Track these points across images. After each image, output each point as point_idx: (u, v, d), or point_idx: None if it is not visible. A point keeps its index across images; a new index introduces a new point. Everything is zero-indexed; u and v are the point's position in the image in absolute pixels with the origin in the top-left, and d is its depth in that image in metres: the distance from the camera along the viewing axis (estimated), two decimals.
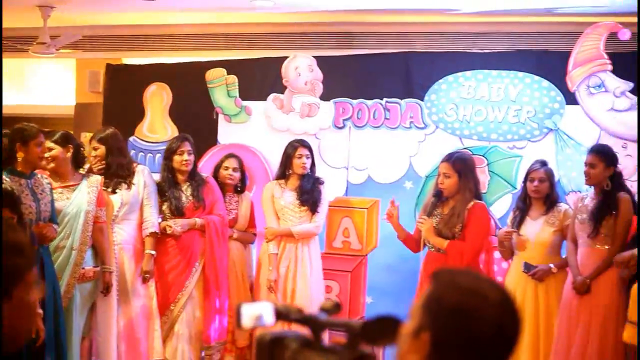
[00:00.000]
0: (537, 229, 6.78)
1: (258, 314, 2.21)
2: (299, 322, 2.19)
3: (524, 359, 6.62)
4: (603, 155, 6.53)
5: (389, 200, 6.73)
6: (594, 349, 6.27)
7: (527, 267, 6.69)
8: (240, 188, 7.53)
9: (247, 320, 2.21)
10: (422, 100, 7.92)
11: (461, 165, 6.36)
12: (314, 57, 8.17)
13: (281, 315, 2.20)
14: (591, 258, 6.46)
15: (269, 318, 2.19)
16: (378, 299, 7.80)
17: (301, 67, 8.14)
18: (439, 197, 6.40)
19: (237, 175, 7.46)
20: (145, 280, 6.92)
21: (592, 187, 6.61)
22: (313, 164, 7.34)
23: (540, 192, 6.78)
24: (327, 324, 2.17)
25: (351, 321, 2.14)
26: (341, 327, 2.14)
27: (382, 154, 7.98)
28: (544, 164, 6.90)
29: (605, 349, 6.23)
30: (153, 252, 6.93)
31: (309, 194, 7.23)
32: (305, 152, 7.28)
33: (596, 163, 6.47)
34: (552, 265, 6.68)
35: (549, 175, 6.83)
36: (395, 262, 7.60)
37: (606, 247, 6.45)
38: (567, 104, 7.64)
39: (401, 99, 7.98)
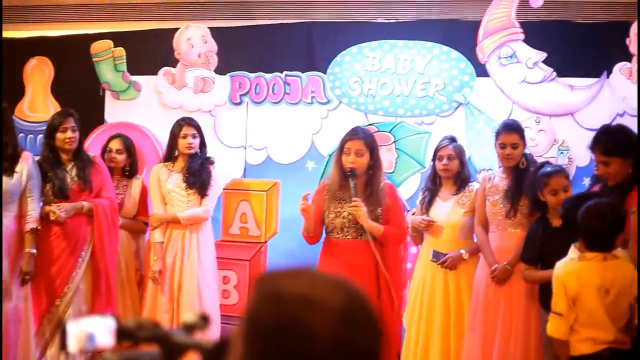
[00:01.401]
0: (447, 210, 6.39)
1: (88, 333, 1.83)
2: (148, 342, 1.90)
3: (435, 353, 6.26)
4: (522, 132, 6.20)
5: (302, 195, 6.13)
6: (518, 341, 5.90)
7: (436, 256, 6.28)
8: (128, 172, 6.95)
9: (74, 343, 1.83)
10: (325, 73, 7.53)
11: (372, 142, 5.91)
12: (208, 28, 7.69)
13: (125, 333, 1.89)
14: (507, 242, 6.05)
15: (104, 338, 1.86)
16: None
17: (194, 39, 7.67)
18: (355, 176, 5.88)
19: (122, 157, 6.92)
20: (23, 283, 6.30)
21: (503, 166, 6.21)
22: (203, 144, 6.88)
23: (450, 171, 6.39)
24: (178, 344, 1.89)
25: (202, 342, 1.88)
26: (194, 348, 1.89)
27: (282, 132, 7.60)
28: (452, 140, 6.51)
29: (529, 339, 5.86)
30: (34, 251, 6.29)
31: (196, 175, 6.76)
32: (191, 130, 6.81)
33: (518, 142, 6.11)
34: (463, 252, 6.28)
35: (459, 152, 6.43)
36: (297, 249, 7.08)
37: (519, 230, 6.06)
38: (478, 76, 7.33)
39: (302, 72, 7.56)
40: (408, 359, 6.23)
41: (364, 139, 5.88)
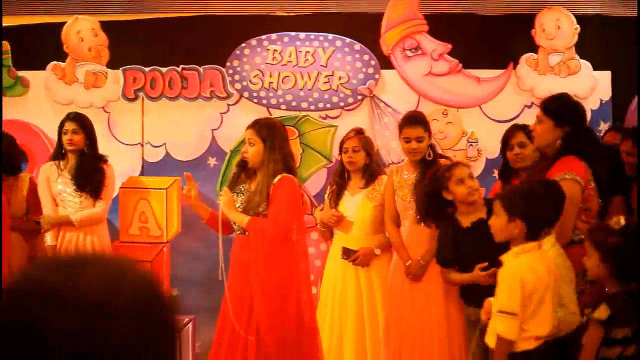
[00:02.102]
0: (356, 204, 6.17)
1: None
2: None
3: (350, 353, 6.04)
4: (427, 125, 5.93)
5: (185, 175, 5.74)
6: (441, 337, 5.68)
7: (347, 253, 6.05)
8: (9, 169, 6.48)
9: None
10: (224, 67, 7.28)
11: (267, 132, 5.46)
12: (98, 21, 7.37)
13: None
14: (419, 236, 5.83)
15: None
16: (184, 291, 7.12)
17: (84, 32, 7.33)
18: (243, 167, 5.51)
19: None
20: None
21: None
22: (92, 141, 6.45)
23: (356, 164, 6.16)
24: None
25: None
26: None
27: (181, 128, 7.34)
28: (359, 132, 6.29)
29: (452, 336, 5.66)
30: None
31: (86, 177, 6.37)
32: (72, 126, 6.39)
33: (423, 135, 5.84)
34: (375, 249, 6.07)
35: (364, 143, 6.20)
36: (201, 249, 6.95)
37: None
38: (382, 68, 7.21)
39: (200, 65, 7.29)
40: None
41: (257, 128, 5.49)
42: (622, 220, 4.09)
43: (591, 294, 4.42)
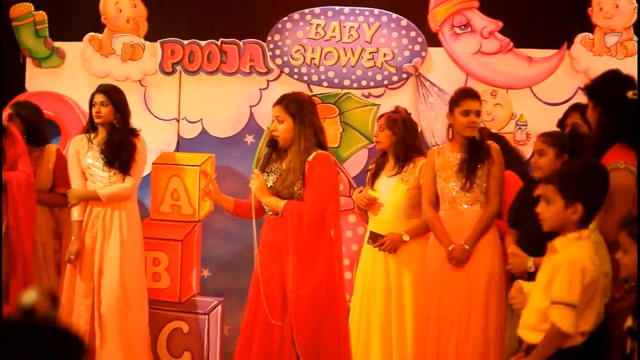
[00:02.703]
0: (390, 187, 5.97)
1: None
2: None
3: (376, 343, 5.84)
4: (481, 101, 5.76)
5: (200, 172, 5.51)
6: (478, 327, 5.46)
7: (373, 238, 5.86)
8: (35, 140, 6.35)
9: None
10: (264, 41, 7.09)
11: (296, 107, 5.21)
12: None
13: None
14: (462, 221, 5.60)
15: None
16: (216, 272, 6.99)
17: (122, 3, 7.20)
18: (274, 146, 5.26)
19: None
20: None
21: (454, 138, 5.72)
22: (123, 113, 6.30)
23: (380, 143, 6.04)
24: None
25: None
26: None
27: (218, 104, 7.15)
28: (393, 111, 6.15)
29: (489, 323, 5.45)
30: None
31: (115, 153, 6.22)
32: (100, 98, 6.26)
33: (480, 109, 5.71)
34: (404, 235, 5.84)
35: (390, 123, 5.99)
36: (234, 229, 6.71)
37: (475, 206, 5.62)
38: (429, 46, 6.99)
39: (239, 39, 7.10)
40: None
41: (285, 104, 5.25)
42: None
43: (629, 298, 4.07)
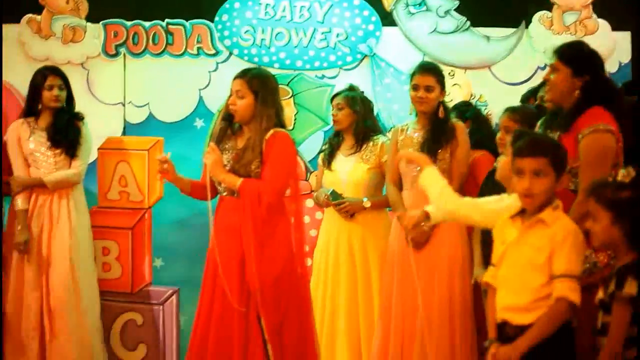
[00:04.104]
0: (349, 166, 5.85)
1: None
2: None
3: (342, 324, 5.73)
4: (440, 76, 5.54)
5: (159, 156, 5.17)
6: (442, 308, 5.32)
7: (335, 196, 5.76)
8: None
9: None
10: (212, 22, 6.91)
11: (260, 84, 4.96)
12: None
13: None
14: (423, 202, 5.31)
15: None
16: (169, 261, 6.76)
17: None
18: (229, 121, 5.01)
19: None
20: None
21: (416, 116, 5.57)
22: (71, 97, 6.14)
23: (339, 122, 5.90)
24: None
25: None
26: None
27: (166, 87, 6.94)
28: (348, 89, 6.00)
29: (453, 305, 5.32)
30: None
31: (62, 133, 6.00)
32: (58, 81, 6.07)
33: (433, 85, 5.46)
34: (365, 199, 5.74)
35: (350, 101, 5.87)
36: (186, 215, 6.58)
37: None
38: (384, 25, 6.87)
39: (186, 20, 6.91)
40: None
41: (248, 79, 4.96)
42: (632, 172, 3.63)
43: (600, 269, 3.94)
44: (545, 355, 3.61)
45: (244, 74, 4.96)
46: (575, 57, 4.36)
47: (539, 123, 4.61)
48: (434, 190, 4.13)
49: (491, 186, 4.91)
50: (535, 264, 3.65)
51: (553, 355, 3.61)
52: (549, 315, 3.59)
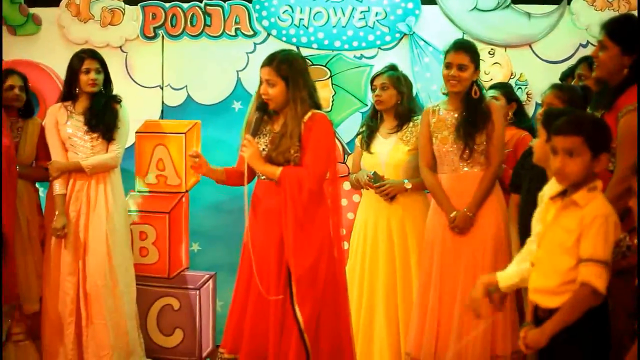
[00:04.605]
0: (389, 148, 5.74)
1: None
2: None
3: (381, 308, 5.63)
4: (474, 54, 5.39)
5: (190, 152, 5.10)
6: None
7: (376, 179, 5.65)
8: (23, 112, 6.03)
9: None
10: (250, 2, 6.87)
11: (288, 68, 4.90)
12: None
13: None
14: (462, 185, 5.35)
15: None
16: (206, 245, 6.78)
17: None
18: (265, 110, 4.96)
19: (23, 95, 5.99)
20: None
21: (448, 96, 5.45)
22: (108, 81, 6.06)
23: (384, 103, 5.74)
24: None
25: None
26: None
27: (204, 69, 6.94)
28: (390, 68, 5.86)
29: None
30: None
31: (99, 117, 5.93)
32: (95, 64, 5.96)
33: (467, 64, 5.31)
34: (406, 181, 5.64)
35: (394, 81, 5.74)
36: (224, 199, 6.58)
37: (475, 169, 5.34)
38: (423, 3, 6.74)
39: (224, 1, 6.89)
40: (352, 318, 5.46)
41: (275, 66, 4.91)
42: None
43: None
44: (578, 339, 3.51)
45: (270, 61, 4.89)
46: (625, 34, 4.23)
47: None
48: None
49: (528, 167, 4.83)
50: (565, 246, 3.54)
51: (586, 339, 3.52)
52: (573, 300, 3.49)
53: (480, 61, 5.66)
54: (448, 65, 5.32)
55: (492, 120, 5.29)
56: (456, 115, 5.36)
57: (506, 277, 3.92)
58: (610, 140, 3.63)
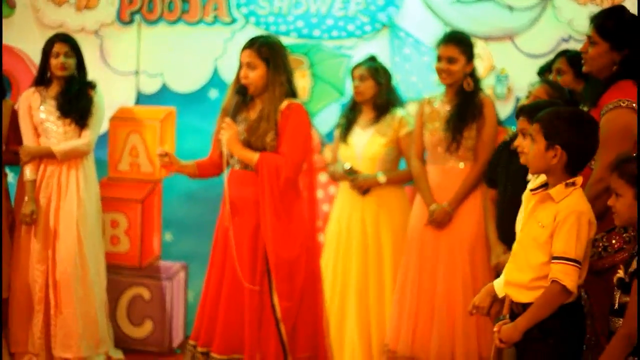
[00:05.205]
0: (365, 140, 5.77)
1: None
2: None
3: (352, 302, 5.67)
4: (465, 47, 5.41)
5: (158, 151, 5.11)
6: (466, 285, 5.24)
7: (350, 172, 5.66)
8: None
9: None
10: None
11: (269, 51, 4.92)
12: None
13: None
14: (447, 179, 5.40)
15: None
16: (179, 235, 6.70)
17: None
18: (244, 94, 4.92)
19: None
20: None
21: (445, 87, 5.48)
22: (82, 66, 6.00)
23: (362, 94, 5.80)
24: None
25: None
26: None
27: (180, 56, 6.86)
28: (369, 59, 5.91)
29: (476, 281, 5.19)
30: None
31: (72, 102, 5.87)
32: (64, 48, 5.91)
33: (457, 57, 5.34)
34: (379, 174, 5.66)
35: (373, 72, 5.80)
36: (197, 189, 6.44)
37: (461, 164, 5.37)
38: None
39: None
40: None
41: (257, 48, 4.93)
42: None
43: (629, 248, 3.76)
44: (551, 335, 3.50)
45: (252, 44, 4.93)
46: (614, 29, 4.14)
47: None
48: None
49: (504, 165, 4.81)
50: (538, 241, 3.51)
51: (558, 335, 3.50)
52: (544, 297, 3.47)
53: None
54: (439, 58, 5.37)
55: (484, 115, 5.30)
56: (448, 107, 5.39)
57: (501, 287, 3.86)
58: (572, 135, 3.54)
